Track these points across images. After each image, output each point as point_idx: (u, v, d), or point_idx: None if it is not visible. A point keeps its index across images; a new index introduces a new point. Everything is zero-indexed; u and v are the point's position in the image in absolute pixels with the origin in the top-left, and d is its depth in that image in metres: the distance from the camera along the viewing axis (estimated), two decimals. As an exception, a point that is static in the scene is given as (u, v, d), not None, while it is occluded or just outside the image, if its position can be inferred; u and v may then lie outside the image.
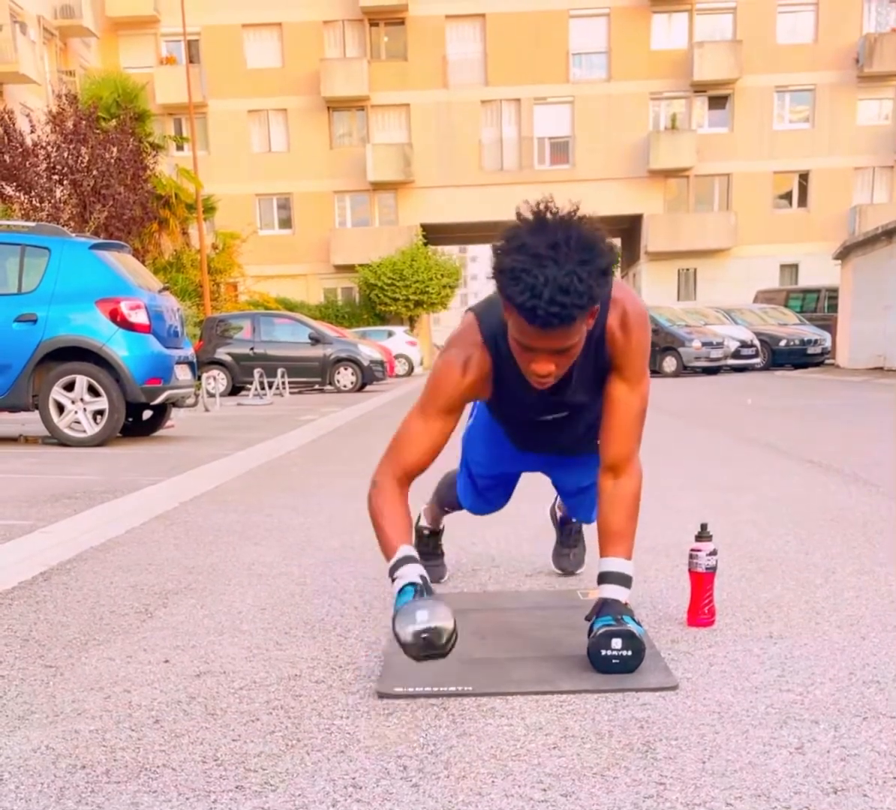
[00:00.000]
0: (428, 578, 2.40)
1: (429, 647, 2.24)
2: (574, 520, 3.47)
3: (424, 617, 2.24)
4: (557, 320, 2.13)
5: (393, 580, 2.40)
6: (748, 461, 7.07)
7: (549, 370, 2.29)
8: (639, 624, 2.49)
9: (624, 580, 2.54)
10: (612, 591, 2.52)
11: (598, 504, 2.64)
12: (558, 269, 2.09)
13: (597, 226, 2.22)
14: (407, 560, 2.41)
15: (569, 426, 2.82)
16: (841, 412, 11.49)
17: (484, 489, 3.24)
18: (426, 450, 2.58)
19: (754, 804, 1.73)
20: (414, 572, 2.38)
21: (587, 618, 2.53)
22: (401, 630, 2.25)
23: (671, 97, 38.74)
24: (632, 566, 2.58)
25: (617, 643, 2.39)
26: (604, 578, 2.55)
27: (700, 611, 2.86)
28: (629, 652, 2.39)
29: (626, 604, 2.52)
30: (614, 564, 2.55)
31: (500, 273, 2.18)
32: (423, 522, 3.53)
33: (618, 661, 2.39)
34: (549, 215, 2.19)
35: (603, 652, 2.40)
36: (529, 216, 2.21)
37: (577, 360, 2.43)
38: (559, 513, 3.61)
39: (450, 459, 3.06)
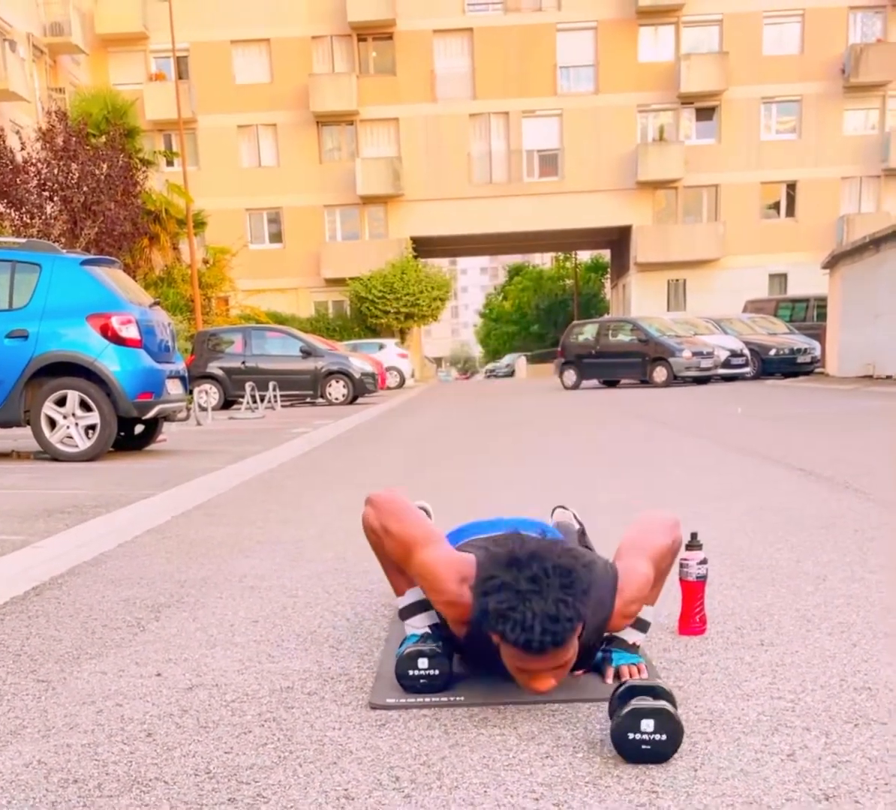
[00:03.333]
0: (438, 625, 2.55)
1: (425, 689, 2.41)
2: None
3: (425, 665, 2.42)
4: (552, 646, 2.13)
5: (403, 618, 2.62)
6: (739, 470, 7.08)
7: (550, 685, 2.27)
8: (639, 655, 2.53)
9: (639, 623, 2.55)
10: (623, 631, 2.54)
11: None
12: (543, 601, 2.10)
13: (568, 546, 2.27)
14: (420, 606, 2.59)
15: None
16: (831, 420, 11.51)
17: None
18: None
19: (746, 810, 1.73)
20: (424, 623, 2.56)
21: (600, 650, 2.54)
22: (401, 672, 2.42)
23: (659, 109, 38.86)
24: (652, 612, 2.61)
25: (648, 725, 1.99)
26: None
27: (691, 620, 2.86)
28: (663, 736, 1.99)
29: (632, 643, 2.54)
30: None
31: (486, 615, 2.17)
32: None
33: (649, 747, 1.99)
34: (518, 550, 2.21)
35: (630, 737, 1.99)
36: (500, 555, 2.23)
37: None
38: None
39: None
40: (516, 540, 2.26)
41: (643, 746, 1.98)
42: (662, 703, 2.01)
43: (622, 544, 2.59)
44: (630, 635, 2.53)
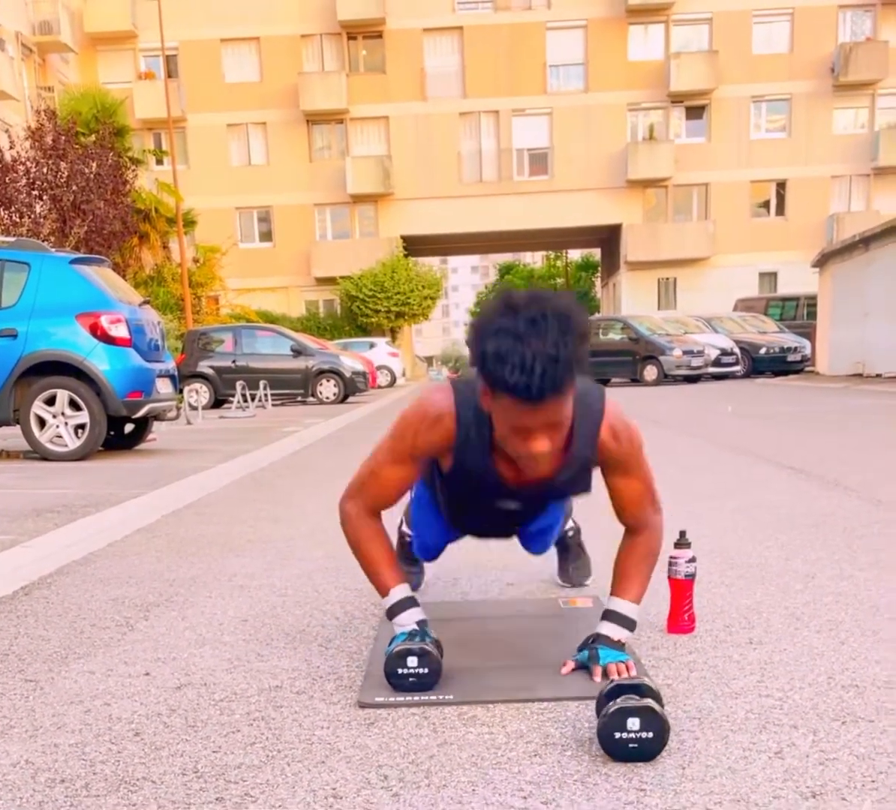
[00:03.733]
0: (426, 622, 2.53)
1: (414, 687, 2.40)
2: (528, 551, 3.35)
3: (414, 663, 2.41)
4: (552, 391, 2.12)
5: (391, 618, 2.56)
6: (729, 468, 7.09)
7: (546, 447, 2.26)
8: (627, 653, 2.51)
9: (624, 621, 2.54)
10: (607, 628, 2.53)
11: (617, 554, 2.66)
12: (542, 342, 2.09)
13: (564, 294, 2.24)
14: (406, 603, 2.55)
15: (516, 517, 2.83)
16: (821, 419, 11.53)
17: (434, 549, 3.21)
18: (395, 491, 2.61)
19: (733, 808, 1.74)
20: (411, 619, 2.52)
21: (579, 649, 2.55)
22: (391, 671, 2.41)
23: (648, 108, 38.86)
24: (637, 611, 2.58)
25: (634, 723, 1.99)
26: (604, 616, 2.57)
27: (680, 618, 2.87)
28: (650, 734, 1.99)
29: (618, 640, 2.51)
30: (617, 605, 2.57)
31: (484, 359, 2.15)
32: (405, 527, 3.52)
33: (636, 745, 1.99)
34: (515, 297, 2.20)
35: (617, 736, 1.99)
36: (494, 302, 2.22)
37: (561, 466, 2.49)
38: None
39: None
40: (511, 290, 2.24)
41: (630, 745, 1.97)
42: (648, 701, 2.00)
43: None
44: (616, 632, 2.52)
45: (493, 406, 2.25)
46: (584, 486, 2.60)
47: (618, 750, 1.98)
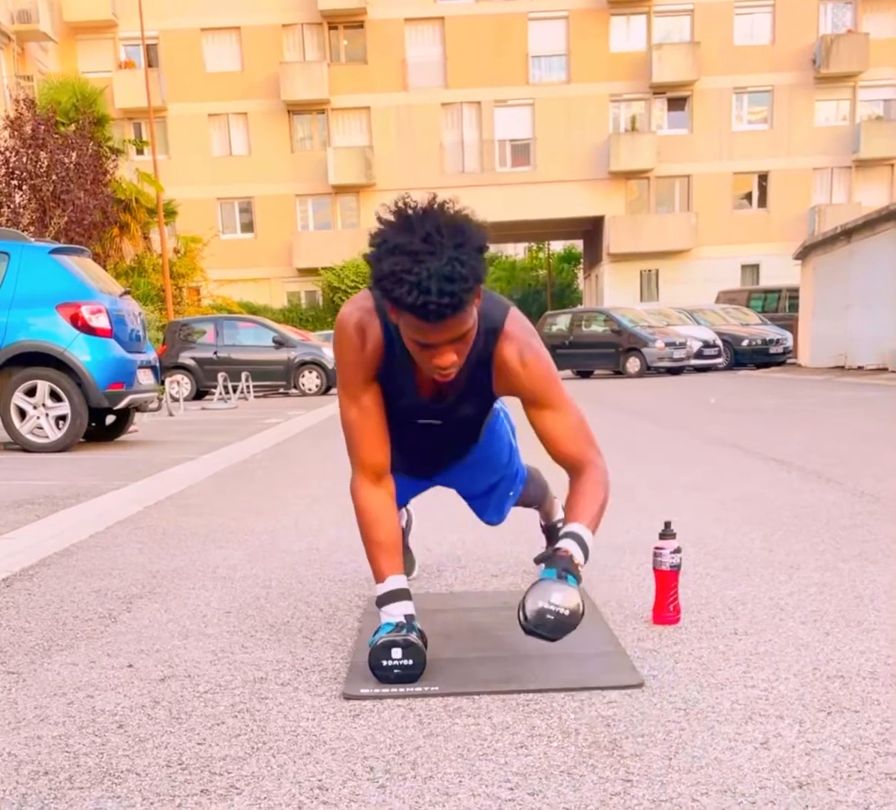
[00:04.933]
0: (414, 615, 2.49)
1: (399, 679, 2.38)
2: (482, 521, 3.33)
3: (399, 655, 2.39)
4: (451, 310, 2.12)
5: (379, 605, 2.51)
6: (713, 460, 7.10)
7: (452, 360, 2.28)
8: (578, 579, 2.35)
9: (578, 538, 2.41)
10: (566, 544, 2.41)
11: (567, 496, 2.57)
12: (437, 260, 2.08)
13: (460, 208, 2.24)
14: (399, 595, 2.51)
15: (441, 438, 2.80)
16: (803, 411, 11.57)
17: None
18: (377, 436, 2.59)
19: (720, 799, 1.73)
20: (401, 611, 2.47)
21: (536, 560, 2.51)
22: (375, 662, 2.39)
23: (631, 99, 38.86)
24: (590, 534, 2.45)
25: (558, 597, 2.25)
26: (562, 537, 2.44)
27: (665, 609, 2.87)
28: (566, 612, 2.24)
29: (576, 563, 2.38)
30: (572, 527, 2.44)
31: (380, 280, 2.14)
32: None
33: (552, 617, 2.24)
34: (410, 211, 2.19)
35: (540, 604, 2.24)
36: (390, 217, 2.21)
37: (464, 372, 2.46)
38: (543, 523, 3.63)
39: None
40: (407, 203, 2.22)
41: (548, 616, 2.23)
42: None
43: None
44: (570, 546, 2.41)
45: (399, 321, 2.26)
46: (486, 401, 2.63)
47: (541, 620, 2.21)
